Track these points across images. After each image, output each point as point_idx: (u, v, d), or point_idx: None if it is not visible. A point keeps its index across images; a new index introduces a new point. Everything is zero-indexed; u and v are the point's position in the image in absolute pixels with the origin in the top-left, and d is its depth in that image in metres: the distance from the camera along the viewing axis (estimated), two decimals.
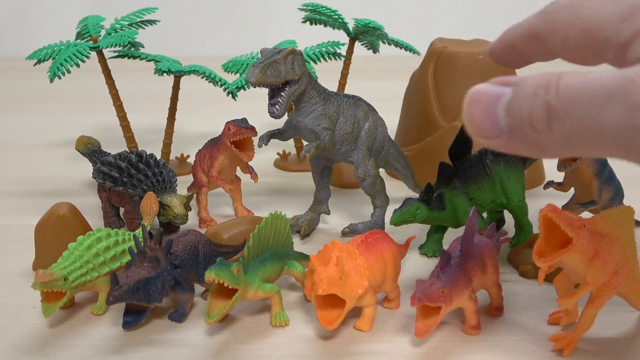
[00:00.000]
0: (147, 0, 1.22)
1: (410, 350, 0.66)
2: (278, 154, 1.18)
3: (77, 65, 0.96)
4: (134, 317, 0.68)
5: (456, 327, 0.69)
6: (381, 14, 1.37)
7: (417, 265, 0.82)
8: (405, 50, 1.09)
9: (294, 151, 1.19)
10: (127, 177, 0.86)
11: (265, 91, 0.81)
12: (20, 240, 0.86)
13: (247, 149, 0.89)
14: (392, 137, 0.99)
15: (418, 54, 1.10)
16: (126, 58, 1.05)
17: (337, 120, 0.84)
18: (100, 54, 1.02)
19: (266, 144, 0.84)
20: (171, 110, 1.09)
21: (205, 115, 1.38)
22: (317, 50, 1.07)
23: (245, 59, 1.06)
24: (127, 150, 0.95)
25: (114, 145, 1.05)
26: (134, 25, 1.05)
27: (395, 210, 0.79)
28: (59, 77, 0.95)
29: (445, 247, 0.75)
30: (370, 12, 1.31)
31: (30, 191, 1.04)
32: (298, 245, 0.86)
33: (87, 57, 0.97)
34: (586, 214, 0.82)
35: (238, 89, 1.02)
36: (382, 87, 1.45)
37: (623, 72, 0.37)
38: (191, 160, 1.12)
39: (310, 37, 1.21)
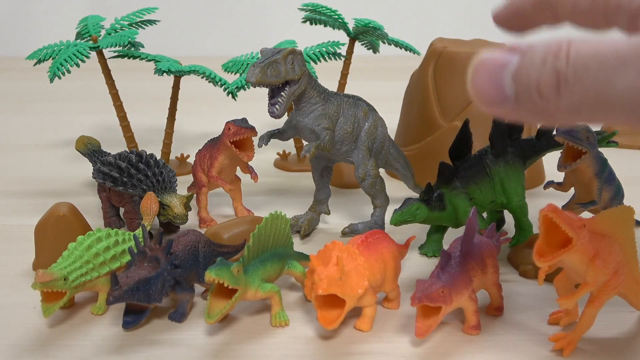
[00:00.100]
0: (147, 0, 1.23)
1: (410, 350, 0.66)
2: (278, 154, 1.18)
3: (77, 65, 0.96)
4: (134, 317, 0.68)
5: (456, 327, 0.69)
6: (381, 14, 1.37)
7: (417, 265, 0.82)
8: (405, 50, 1.09)
9: (294, 151, 1.19)
10: (127, 177, 0.86)
11: (265, 91, 0.81)
12: (20, 240, 0.86)
13: (247, 149, 0.89)
14: (392, 137, 0.99)
15: (418, 54, 1.10)
16: (126, 58, 1.05)
17: (337, 120, 0.84)
18: (100, 54, 1.02)
19: (266, 144, 0.84)
20: (171, 110, 1.09)
21: (205, 115, 1.38)
22: (317, 50, 1.07)
23: (245, 59, 1.06)
24: (127, 150, 0.95)
25: (114, 145, 1.05)
26: (134, 25, 1.05)
27: (395, 210, 0.79)
28: (59, 77, 0.95)
29: (445, 247, 0.75)
30: (370, 12, 1.31)
31: (30, 191, 1.04)
32: (298, 245, 0.86)
33: (87, 57, 0.97)
34: (586, 214, 0.82)
35: (238, 89, 1.02)
36: (382, 87, 1.45)
37: (638, 38, 0.36)
38: (191, 160, 1.12)
39: (310, 37, 1.21)
